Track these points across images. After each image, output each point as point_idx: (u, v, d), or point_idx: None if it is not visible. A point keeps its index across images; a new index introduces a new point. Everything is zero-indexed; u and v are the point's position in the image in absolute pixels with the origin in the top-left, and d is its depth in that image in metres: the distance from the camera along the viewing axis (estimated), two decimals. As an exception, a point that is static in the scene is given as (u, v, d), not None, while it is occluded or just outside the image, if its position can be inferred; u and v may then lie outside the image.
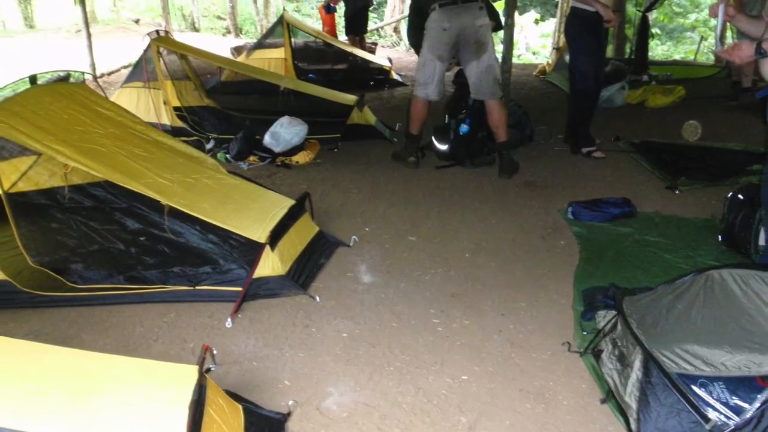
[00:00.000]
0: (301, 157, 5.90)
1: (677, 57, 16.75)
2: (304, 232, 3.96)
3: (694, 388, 2.30)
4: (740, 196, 4.02)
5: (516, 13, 7.01)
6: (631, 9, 10.19)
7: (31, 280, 3.51)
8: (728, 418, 2.23)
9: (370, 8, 10.85)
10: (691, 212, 4.67)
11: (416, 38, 5.61)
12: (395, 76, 9.81)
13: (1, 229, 3.74)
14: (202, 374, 2.10)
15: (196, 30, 19.27)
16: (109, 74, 10.66)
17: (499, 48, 6.75)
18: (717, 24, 3.45)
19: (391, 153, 6.04)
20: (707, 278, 2.68)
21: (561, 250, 4.16)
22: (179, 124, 6.52)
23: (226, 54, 10.38)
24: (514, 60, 9.77)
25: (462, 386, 2.82)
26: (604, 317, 3.10)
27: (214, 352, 2.98)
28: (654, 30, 15.94)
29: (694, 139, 6.41)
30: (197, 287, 3.51)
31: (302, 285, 3.61)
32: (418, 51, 5.66)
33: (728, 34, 8.60)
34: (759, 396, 2.20)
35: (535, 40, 18.16)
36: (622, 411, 2.53)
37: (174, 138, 4.45)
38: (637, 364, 2.47)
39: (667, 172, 5.38)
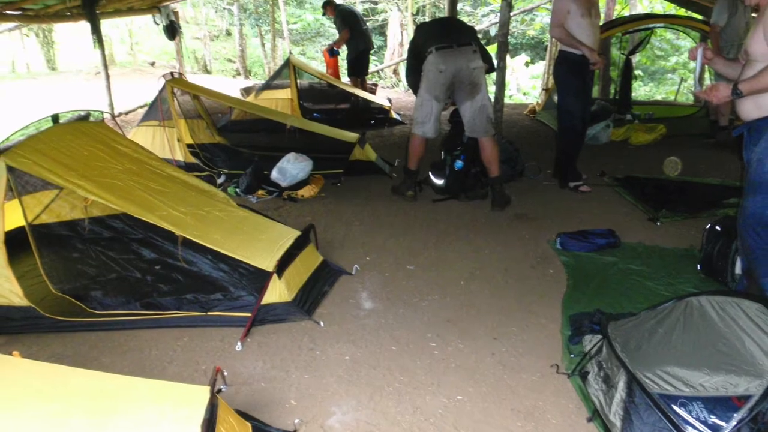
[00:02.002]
0: (307, 191, 5.95)
1: (659, 97, 16.85)
2: (309, 261, 3.98)
3: (675, 407, 2.32)
4: (718, 227, 4.05)
5: (508, 56, 7.09)
6: (615, 52, 10.27)
7: (53, 306, 3.54)
8: (706, 435, 2.25)
9: (371, 52, 10.94)
10: (671, 243, 4.70)
11: (414, 80, 5.65)
12: (394, 115, 9.83)
13: (25, 259, 3.77)
14: (214, 395, 2.11)
15: (208, 72, 19.51)
16: (127, 113, 10.74)
17: (491, 89, 6.82)
18: (696, 66, 3.51)
19: (390, 187, 6.08)
20: (687, 304, 2.71)
21: (550, 278, 4.18)
22: (192, 160, 6.57)
23: (236, 94, 10.49)
24: (506, 100, 9.85)
25: (457, 406, 2.84)
26: (590, 341, 3.13)
27: (225, 373, 3.00)
28: (637, 72, 16.10)
29: (674, 174, 6.45)
30: (209, 313, 3.53)
31: (307, 311, 3.63)
32: (415, 92, 5.70)
33: (706, 75, 8.71)
34: (735, 415, 2.22)
35: (526, 82, 18.31)
36: (607, 429, 2.55)
37: (187, 173, 4.48)
38: (621, 384, 2.49)
39: (650, 205, 5.41)
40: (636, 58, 11.86)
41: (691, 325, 2.63)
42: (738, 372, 2.34)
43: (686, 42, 15.23)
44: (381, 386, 2.99)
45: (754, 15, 6.32)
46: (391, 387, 2.98)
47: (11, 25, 12.70)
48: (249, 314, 3.44)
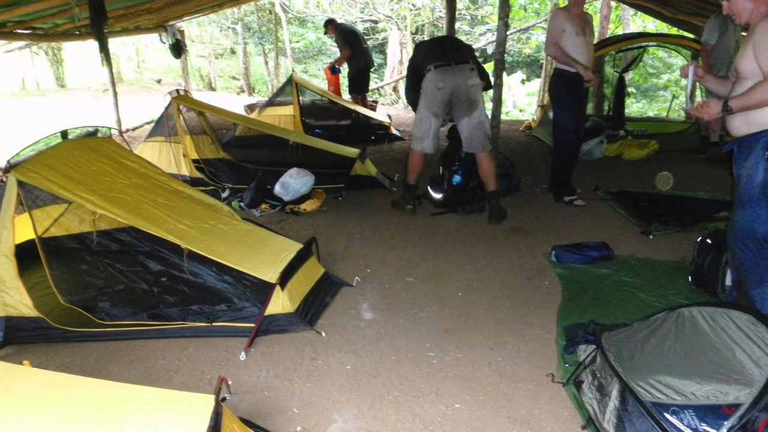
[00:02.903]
0: (309, 205, 5.96)
1: (651, 114, 16.87)
2: (311, 273, 3.99)
3: (667, 415, 2.33)
4: (708, 240, 4.06)
5: (504, 74, 7.13)
6: (609, 70, 10.33)
7: (62, 317, 3.55)
8: (698, 443, 2.25)
9: (371, 69, 10.99)
10: (663, 255, 4.71)
11: (413, 96, 5.67)
12: (394, 131, 9.86)
13: (35, 271, 3.79)
14: (219, 403, 2.11)
15: (213, 89, 19.55)
16: (134, 129, 10.79)
17: (488, 105, 6.86)
18: (687, 84, 3.53)
19: (390, 201, 6.10)
20: (678, 315, 2.73)
21: (545, 289, 4.19)
22: (197, 175, 6.60)
23: (240, 111, 10.51)
24: (503, 116, 9.87)
25: (455, 414, 2.85)
26: (584, 351, 3.14)
27: (230, 382, 3.01)
28: (630, 89, 16.13)
29: (666, 188, 6.47)
30: (214, 324, 3.54)
31: (309, 321, 3.64)
32: (415, 108, 5.73)
33: (698, 93, 8.73)
34: (725, 423, 2.22)
35: (522, 99, 18.32)
36: (601, 437, 2.55)
37: (192, 188, 4.51)
38: (615, 393, 2.50)
39: (642, 219, 5.42)
40: (629, 76, 11.92)
41: (683, 336, 2.64)
42: (728, 381, 2.35)
43: (678, 60, 15.26)
44: (381, 395, 3.00)
45: (744, 33, 6.38)
46: (390, 395, 2.99)
47: (21, 43, 12.77)
48: (253, 325, 3.44)
